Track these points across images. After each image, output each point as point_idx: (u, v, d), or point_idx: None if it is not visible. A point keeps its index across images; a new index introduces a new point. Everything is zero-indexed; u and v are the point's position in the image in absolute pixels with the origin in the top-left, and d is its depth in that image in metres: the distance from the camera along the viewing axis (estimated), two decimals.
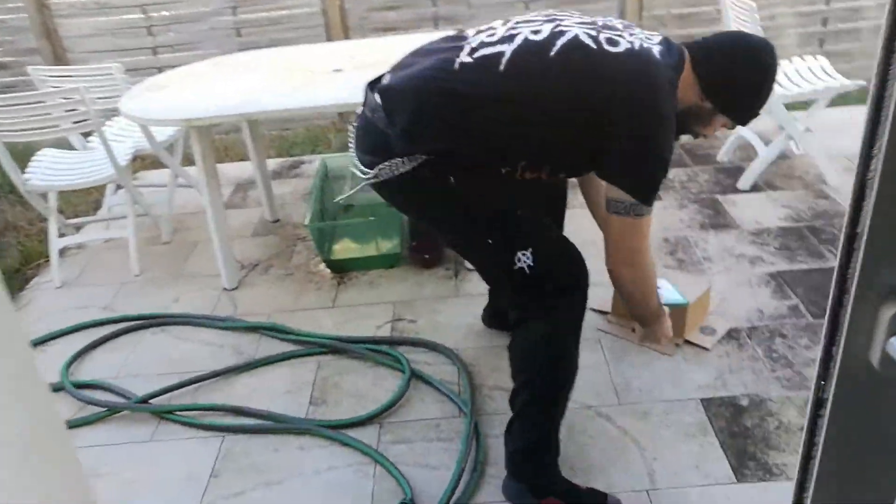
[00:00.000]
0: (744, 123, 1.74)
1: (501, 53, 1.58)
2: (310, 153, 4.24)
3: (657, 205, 3.18)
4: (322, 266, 2.99)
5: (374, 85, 1.76)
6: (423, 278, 2.86)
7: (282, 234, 3.31)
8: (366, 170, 1.73)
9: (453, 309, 2.64)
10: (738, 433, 1.98)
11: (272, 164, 4.05)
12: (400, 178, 1.66)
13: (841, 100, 3.47)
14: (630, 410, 2.10)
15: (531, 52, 1.57)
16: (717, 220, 3.08)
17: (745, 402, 2.09)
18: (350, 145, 1.83)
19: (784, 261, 2.74)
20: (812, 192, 3.22)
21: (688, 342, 2.34)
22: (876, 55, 0.62)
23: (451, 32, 1.78)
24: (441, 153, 1.64)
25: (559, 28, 1.60)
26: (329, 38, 4.52)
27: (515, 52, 1.57)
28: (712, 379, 2.19)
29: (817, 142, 3.31)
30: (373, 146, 1.72)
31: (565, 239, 1.77)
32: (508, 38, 1.60)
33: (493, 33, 1.65)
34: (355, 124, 1.81)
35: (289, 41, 4.17)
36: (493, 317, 2.46)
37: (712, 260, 2.78)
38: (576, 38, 1.56)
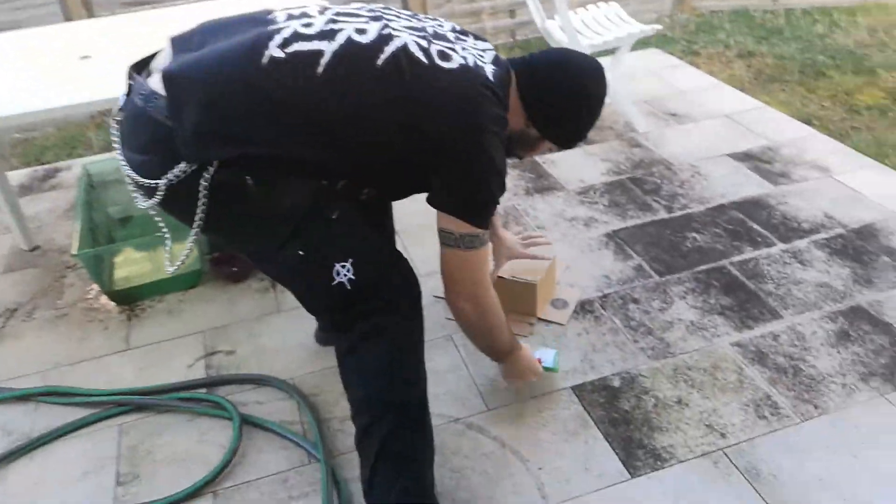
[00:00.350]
0: (569, 147, 1.67)
1: (320, 53, 1.31)
2: (66, 158, 3.52)
3: None
4: (104, 298, 2.44)
5: (141, 67, 1.42)
6: (233, 295, 2.42)
7: (44, 265, 2.67)
8: (140, 179, 1.38)
9: (277, 329, 2.25)
10: (619, 419, 1.83)
11: (17, 176, 3.31)
12: (187, 186, 1.34)
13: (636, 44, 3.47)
14: (501, 415, 1.88)
15: (355, 58, 1.33)
16: (541, 183, 2.94)
17: (617, 383, 1.95)
18: (115, 144, 1.44)
19: (616, 218, 2.66)
20: (625, 142, 3.19)
21: (542, 320, 2.16)
22: None
23: (250, 8, 1.46)
24: (241, 160, 1.32)
25: (388, 31, 1.36)
26: (68, 18, 3.77)
27: (337, 55, 1.32)
28: (578, 362, 2.02)
29: (622, 89, 3.29)
30: (148, 143, 1.37)
31: (389, 244, 1.53)
32: (329, 34, 1.33)
33: (309, 23, 1.36)
34: (118, 118, 1.44)
35: (18, 24, 3.40)
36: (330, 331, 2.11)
37: (546, 227, 2.63)
38: (405, 47, 1.34)
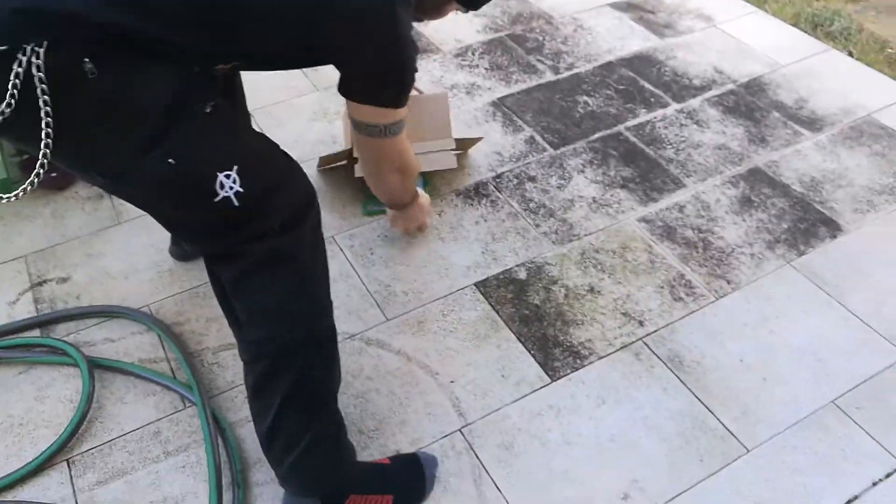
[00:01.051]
0: (476, 8, 1.49)
1: None
2: None
3: None
4: None
5: None
6: (58, 207, 1.98)
7: None
8: None
9: (120, 246, 1.86)
10: (531, 316, 1.68)
11: None
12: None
13: None
14: (402, 324, 1.66)
15: None
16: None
17: (522, 274, 1.77)
18: None
19: (500, 84, 2.39)
20: None
21: (458, 141, 1.98)
22: None
23: None
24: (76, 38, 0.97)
25: None
26: None
27: None
28: (479, 255, 1.82)
29: None
30: None
31: (272, 143, 1.22)
32: None
33: None
34: None
35: None
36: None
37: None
38: None
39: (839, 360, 1.58)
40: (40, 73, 0.94)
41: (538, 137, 2.18)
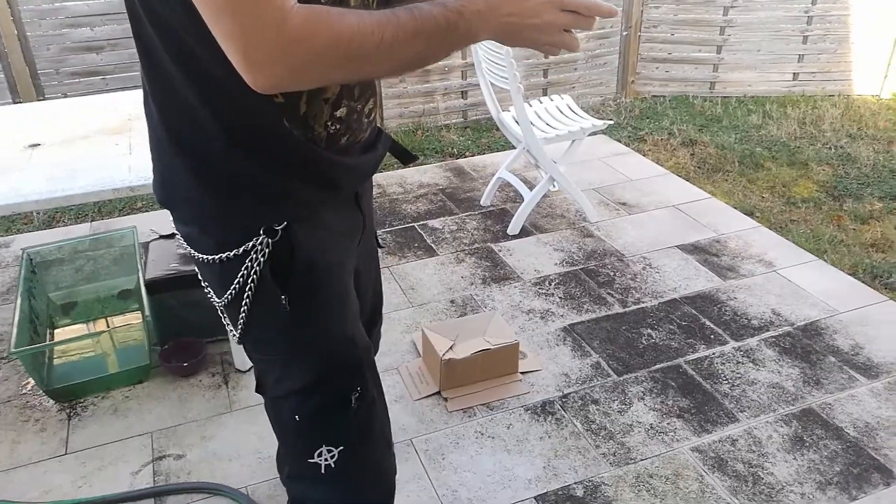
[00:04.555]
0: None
1: None
2: (3, 233, 3.37)
3: (435, 263, 3.00)
4: (42, 395, 2.30)
5: None
6: (183, 392, 2.32)
7: None
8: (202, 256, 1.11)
9: (231, 430, 2.16)
10: None
11: None
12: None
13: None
14: None
15: None
16: (497, 272, 2.96)
17: (580, 492, 1.93)
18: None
19: (573, 312, 2.68)
20: (578, 231, 3.25)
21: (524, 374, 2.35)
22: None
23: None
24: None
25: None
26: (16, 99, 3.67)
27: None
28: (541, 470, 2.00)
29: (572, 178, 3.37)
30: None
31: (387, 433, 1.30)
32: None
33: None
34: None
35: None
36: None
37: (504, 319, 2.64)
38: None
39: None
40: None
41: (604, 363, 2.40)
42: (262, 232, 1.04)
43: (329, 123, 1.04)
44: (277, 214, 1.05)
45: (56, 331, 2.60)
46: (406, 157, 1.32)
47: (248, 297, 1.08)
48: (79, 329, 2.62)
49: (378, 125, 1.23)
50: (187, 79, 0.96)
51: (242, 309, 1.10)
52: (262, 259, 1.05)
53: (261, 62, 0.82)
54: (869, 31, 4.75)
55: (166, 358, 2.39)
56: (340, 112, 1.05)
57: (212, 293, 1.15)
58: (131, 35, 0.99)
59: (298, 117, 1.01)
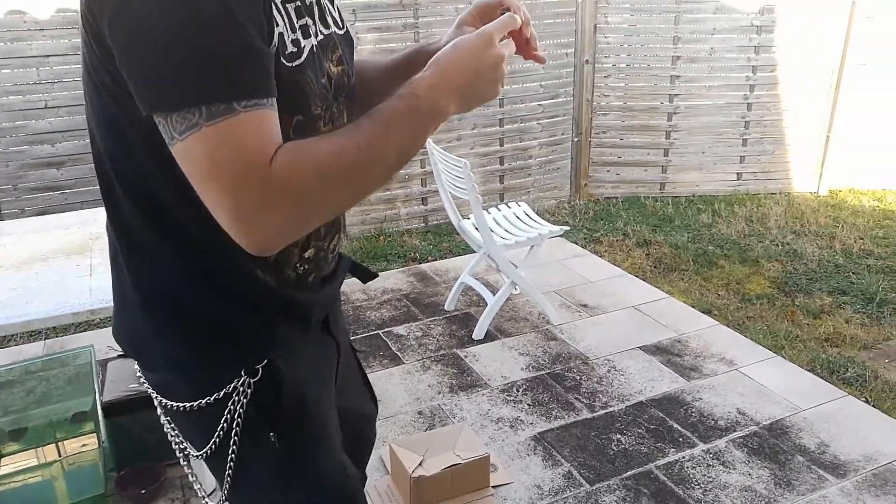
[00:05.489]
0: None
1: None
2: None
3: (401, 371, 2.97)
4: None
5: None
6: None
7: None
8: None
9: None
10: None
11: None
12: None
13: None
14: None
15: None
16: (465, 379, 2.94)
17: None
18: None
19: (542, 419, 2.66)
20: (542, 334, 3.28)
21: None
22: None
23: None
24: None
25: None
26: None
27: None
28: None
29: (533, 282, 3.42)
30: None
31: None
32: None
33: None
34: None
35: None
36: None
37: (474, 429, 2.60)
38: None
39: None
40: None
41: (575, 472, 2.37)
42: (243, 373, 1.02)
43: (297, 265, 1.05)
44: (257, 353, 1.04)
45: (2, 459, 2.47)
46: (367, 276, 1.32)
47: (234, 441, 1.04)
48: (27, 456, 2.49)
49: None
50: (155, 229, 0.97)
51: (230, 457, 1.05)
52: (244, 400, 1.03)
53: (253, 217, 0.82)
54: (801, 133, 5.06)
55: (122, 486, 2.29)
56: (308, 253, 1.07)
57: (188, 445, 1.11)
58: (90, 151, 1.00)
59: (269, 264, 1.01)
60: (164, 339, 1.03)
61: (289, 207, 0.83)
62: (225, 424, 1.03)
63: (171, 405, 1.06)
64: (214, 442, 1.05)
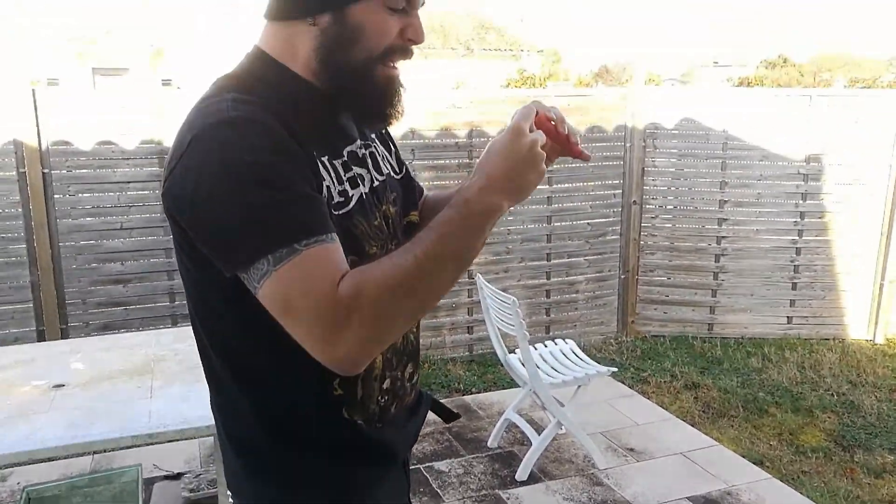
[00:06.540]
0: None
1: None
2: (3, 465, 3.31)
3: None
4: None
5: None
6: None
7: None
8: None
9: None
10: None
11: None
12: None
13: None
14: None
15: None
16: None
17: None
18: None
19: None
20: (587, 479, 3.20)
21: None
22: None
23: None
24: None
25: None
26: (39, 326, 3.81)
27: None
28: None
29: (578, 421, 3.38)
30: None
31: None
32: None
33: None
34: None
35: None
36: None
37: None
38: None
39: None
40: None
41: None
42: None
43: (379, 398, 1.12)
44: (344, 497, 1.09)
45: None
46: (449, 416, 1.38)
47: None
48: None
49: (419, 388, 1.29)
50: (234, 378, 1.07)
51: None
52: None
53: (332, 338, 0.90)
54: (854, 279, 5.02)
55: None
56: (386, 384, 1.13)
57: None
58: (156, 270, 1.15)
59: (357, 403, 1.08)
60: (255, 482, 1.09)
61: (362, 321, 0.90)
62: None
63: None
64: None
